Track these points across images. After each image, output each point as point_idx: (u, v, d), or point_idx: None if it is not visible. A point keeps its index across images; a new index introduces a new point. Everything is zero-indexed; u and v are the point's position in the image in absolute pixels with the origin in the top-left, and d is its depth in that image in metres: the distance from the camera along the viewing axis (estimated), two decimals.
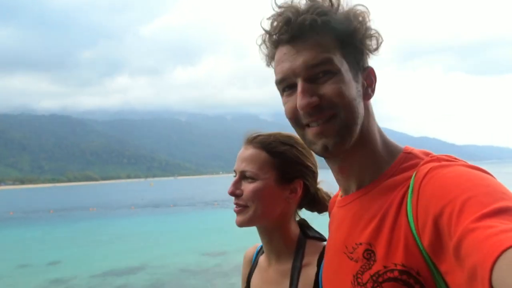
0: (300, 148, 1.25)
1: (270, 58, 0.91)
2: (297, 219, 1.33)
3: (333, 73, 0.82)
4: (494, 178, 0.71)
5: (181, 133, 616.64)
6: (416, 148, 0.90)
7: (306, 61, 0.82)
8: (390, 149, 0.89)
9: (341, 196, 0.98)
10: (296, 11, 0.83)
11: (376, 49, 0.87)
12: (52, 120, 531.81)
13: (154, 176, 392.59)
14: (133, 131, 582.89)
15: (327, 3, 0.84)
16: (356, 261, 0.82)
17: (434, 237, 0.67)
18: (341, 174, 0.93)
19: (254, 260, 1.39)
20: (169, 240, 19.46)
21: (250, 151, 1.23)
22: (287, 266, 1.22)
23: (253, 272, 1.35)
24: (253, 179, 1.20)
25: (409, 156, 0.86)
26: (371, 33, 0.86)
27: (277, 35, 0.85)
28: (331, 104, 0.82)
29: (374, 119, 0.91)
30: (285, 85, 0.86)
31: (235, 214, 1.22)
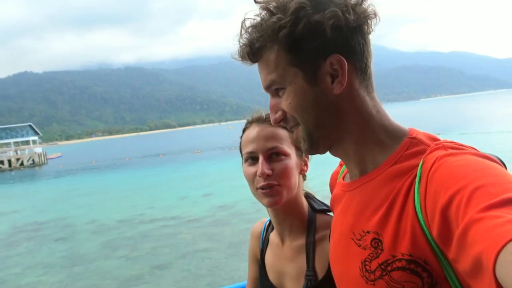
0: None
1: None
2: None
3: (284, 88, 0.86)
4: (504, 167, 0.71)
5: (247, 74, 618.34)
6: (421, 131, 0.88)
7: (263, 83, 0.90)
8: (393, 133, 0.87)
9: (346, 178, 1.00)
10: (245, 39, 0.88)
11: (344, 24, 0.81)
12: (127, 72, 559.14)
13: (227, 120, 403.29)
14: (203, 77, 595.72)
15: (264, 16, 0.85)
16: (364, 249, 0.83)
17: (443, 227, 0.67)
18: (337, 156, 0.95)
19: (264, 237, 1.40)
20: None
21: (269, 129, 1.20)
22: (301, 241, 1.23)
23: (265, 249, 1.36)
24: (284, 155, 1.19)
25: (414, 141, 0.84)
26: (315, 19, 0.80)
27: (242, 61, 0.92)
28: (290, 117, 0.89)
29: (357, 104, 0.86)
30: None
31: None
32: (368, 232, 0.83)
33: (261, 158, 1.17)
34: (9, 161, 53.90)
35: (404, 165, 0.81)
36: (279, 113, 0.89)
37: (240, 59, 0.90)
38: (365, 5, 0.83)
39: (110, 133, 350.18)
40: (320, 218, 1.25)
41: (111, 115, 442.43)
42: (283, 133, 1.20)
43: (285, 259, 1.27)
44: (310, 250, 1.20)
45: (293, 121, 0.88)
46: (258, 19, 0.85)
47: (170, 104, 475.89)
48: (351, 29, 0.81)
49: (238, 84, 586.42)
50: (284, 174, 1.17)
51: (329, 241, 1.05)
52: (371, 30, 0.84)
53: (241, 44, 0.88)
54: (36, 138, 64.41)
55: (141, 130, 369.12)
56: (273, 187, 1.17)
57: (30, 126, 64.66)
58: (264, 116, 1.24)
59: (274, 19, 0.82)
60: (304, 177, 1.31)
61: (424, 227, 0.72)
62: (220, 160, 34.70)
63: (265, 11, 0.84)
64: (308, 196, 1.32)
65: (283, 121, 0.90)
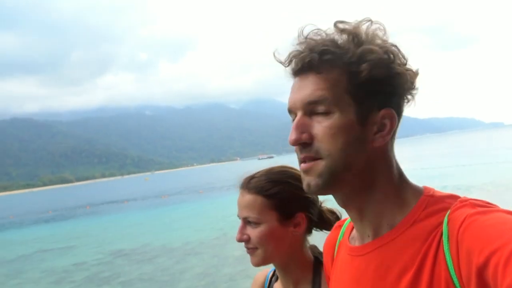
0: (294, 182, 1.25)
1: None
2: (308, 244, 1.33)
3: (328, 113, 0.79)
4: None
5: (148, 127, 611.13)
6: (436, 189, 0.84)
7: (304, 96, 0.81)
8: (409, 191, 0.83)
9: (354, 241, 0.92)
10: (306, 46, 0.82)
11: (407, 89, 0.82)
12: (12, 124, 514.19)
13: (129, 173, 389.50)
14: (100, 129, 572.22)
15: (343, 39, 0.81)
16: None
17: None
18: (349, 212, 0.88)
19: (267, 286, 1.39)
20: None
21: (246, 197, 1.25)
22: None
23: None
24: (256, 223, 1.22)
25: (432, 199, 0.80)
26: (395, 71, 0.79)
27: (291, 67, 0.85)
28: (319, 147, 0.80)
29: (388, 163, 0.84)
30: (292, 115, 0.85)
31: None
32: None
33: (240, 224, 1.27)
34: None
35: (425, 224, 0.77)
36: (306, 135, 0.80)
37: (288, 61, 0.84)
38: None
39: None
40: None
41: None
42: (257, 201, 1.23)
43: None
44: None
45: (315, 151, 0.80)
46: (336, 36, 0.82)
47: (65, 157, 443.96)
48: (408, 88, 0.82)
49: (139, 136, 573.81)
50: (259, 240, 1.22)
51: None
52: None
53: (306, 48, 0.81)
54: None
55: (33, 186, 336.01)
56: (251, 249, 1.25)
57: None
58: (243, 182, 1.29)
59: (359, 50, 0.79)
60: (310, 231, 1.32)
61: None
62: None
63: (350, 36, 0.81)
64: (313, 249, 1.33)
65: (303, 145, 0.81)
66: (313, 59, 0.80)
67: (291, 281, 1.28)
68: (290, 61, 0.84)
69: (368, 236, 0.85)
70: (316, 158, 0.80)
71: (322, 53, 0.79)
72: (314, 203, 1.29)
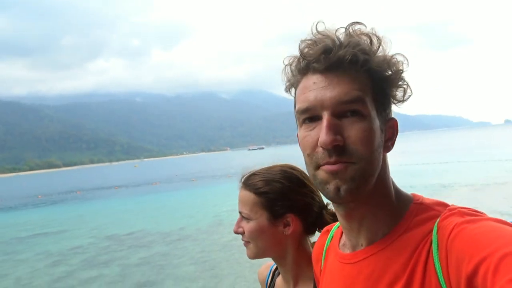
0: (287, 183, 1.26)
1: (292, 84, 0.86)
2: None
3: (363, 115, 0.76)
4: None
5: (138, 114, 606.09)
6: (424, 196, 0.84)
7: (338, 95, 0.76)
8: (401, 199, 0.84)
9: (345, 248, 0.90)
10: (338, 43, 0.78)
11: (403, 101, 0.83)
12: None
13: (118, 160, 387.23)
14: (89, 115, 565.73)
15: (367, 42, 0.79)
16: None
17: None
18: (349, 222, 0.85)
19: (270, 281, 1.42)
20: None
21: (242, 193, 1.30)
22: None
23: None
24: (248, 219, 1.27)
25: (422, 207, 0.81)
26: (402, 83, 0.81)
27: (312, 62, 0.79)
28: (353, 150, 0.76)
29: (388, 170, 0.85)
30: (308, 116, 0.79)
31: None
32: None
33: (238, 217, 1.32)
34: None
35: (415, 232, 0.77)
36: (340, 137, 0.76)
37: (319, 52, 0.78)
38: None
39: None
40: None
41: None
42: (250, 198, 1.27)
43: None
44: None
45: (349, 155, 0.76)
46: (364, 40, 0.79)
47: (52, 142, 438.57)
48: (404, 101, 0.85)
49: (129, 123, 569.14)
50: (250, 235, 1.27)
51: None
52: None
53: (339, 45, 0.78)
54: None
55: (19, 170, 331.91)
56: (246, 242, 1.30)
57: None
58: (243, 178, 1.33)
59: (387, 57, 0.80)
60: (310, 231, 1.32)
61: None
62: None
63: (372, 40, 0.80)
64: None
65: (335, 148, 0.76)
66: (355, 56, 0.76)
67: (291, 277, 1.30)
68: (318, 56, 0.78)
69: (361, 245, 0.84)
70: (347, 161, 0.76)
71: (361, 51, 0.77)
72: (309, 206, 1.28)
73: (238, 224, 1.30)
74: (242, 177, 1.34)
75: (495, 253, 0.61)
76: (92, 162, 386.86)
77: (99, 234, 18.06)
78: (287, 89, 0.87)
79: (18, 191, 65.81)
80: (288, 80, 0.86)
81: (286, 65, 0.85)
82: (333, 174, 0.76)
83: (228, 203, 20.59)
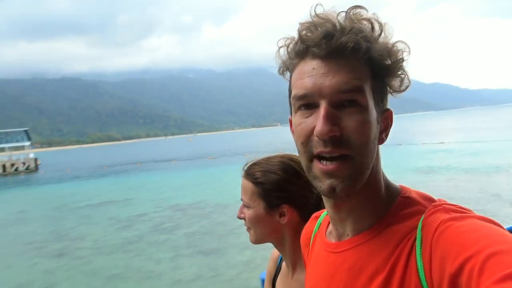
0: (283, 175, 1.28)
1: (287, 67, 0.82)
2: None
3: (361, 106, 0.73)
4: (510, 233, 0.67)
5: (191, 90, 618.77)
6: (412, 189, 0.82)
7: (337, 83, 0.72)
8: (390, 191, 0.82)
9: (332, 237, 0.89)
10: (339, 28, 0.73)
11: (400, 91, 0.79)
12: (63, 83, 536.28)
13: (172, 134, 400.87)
14: (144, 91, 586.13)
15: (368, 28, 0.75)
16: None
17: None
18: (337, 213, 0.83)
19: (279, 262, 1.45)
20: None
21: (243, 181, 1.34)
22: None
23: (277, 275, 1.42)
24: (247, 207, 1.31)
25: (408, 201, 0.78)
26: (401, 73, 0.77)
27: (312, 47, 0.74)
28: (350, 142, 0.73)
29: (380, 162, 0.82)
30: (304, 102, 0.76)
31: None
32: None
33: (241, 204, 1.36)
34: (4, 166, 53.24)
35: (399, 227, 0.75)
36: (337, 128, 0.72)
37: (320, 36, 0.73)
38: None
39: (50, 145, 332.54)
40: None
41: (46, 127, 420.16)
42: (249, 187, 1.32)
43: None
44: None
45: (346, 148, 0.73)
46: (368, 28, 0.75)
47: (111, 116, 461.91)
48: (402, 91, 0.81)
49: (181, 98, 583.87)
50: (249, 221, 1.32)
51: None
52: None
53: (345, 27, 0.73)
54: (28, 143, 63.20)
55: (83, 143, 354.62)
56: (247, 228, 1.35)
57: (25, 131, 63.45)
58: (245, 167, 1.37)
59: (388, 45, 0.76)
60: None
61: None
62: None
63: (374, 26, 0.75)
64: None
65: (331, 139, 0.72)
66: (357, 44, 0.72)
67: (289, 263, 1.34)
68: (319, 41, 0.73)
69: (347, 235, 0.84)
70: (344, 154, 0.73)
71: (364, 38, 0.73)
72: (305, 197, 1.29)
73: (241, 210, 1.35)
74: (245, 165, 1.37)
75: (481, 252, 0.59)
76: (148, 136, 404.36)
77: (162, 204, 19.19)
78: (281, 72, 0.83)
79: (84, 162, 70.56)
80: (283, 62, 0.82)
81: (281, 46, 0.81)
82: (328, 173, 0.74)
83: None
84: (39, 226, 16.68)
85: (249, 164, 1.37)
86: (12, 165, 55.06)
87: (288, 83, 0.83)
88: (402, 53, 0.76)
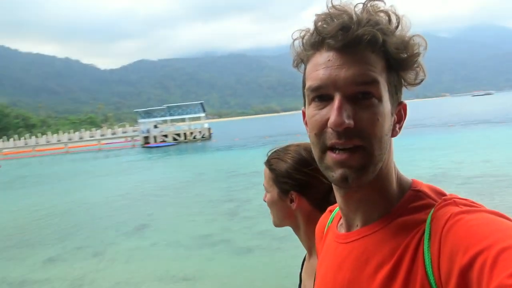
0: (292, 163, 1.33)
1: (301, 59, 0.81)
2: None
3: (375, 98, 0.73)
4: None
5: None
6: (424, 183, 0.81)
7: (352, 75, 0.72)
8: (401, 184, 0.81)
9: (342, 228, 0.90)
10: (356, 20, 0.72)
11: (415, 84, 0.78)
12: (230, 59, 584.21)
13: None
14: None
15: (385, 20, 0.73)
16: None
17: None
18: (347, 204, 0.83)
19: None
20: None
21: (265, 167, 1.40)
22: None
23: (305, 258, 1.44)
24: (266, 191, 1.39)
25: (419, 194, 0.78)
26: (416, 66, 0.76)
27: (327, 38, 0.73)
28: (363, 134, 0.72)
29: (392, 154, 0.81)
30: (318, 94, 0.75)
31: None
32: None
33: None
34: (185, 134, 62.80)
35: (409, 219, 0.75)
36: (350, 120, 0.71)
37: (336, 28, 0.72)
38: None
39: (220, 116, 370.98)
40: None
41: (216, 100, 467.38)
42: (266, 172, 1.39)
43: (308, 275, 1.33)
44: None
45: (359, 139, 0.72)
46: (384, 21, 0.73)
47: (272, 89, 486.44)
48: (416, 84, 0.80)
49: None
50: (268, 204, 1.40)
51: None
52: None
53: (362, 20, 0.72)
54: (204, 115, 73.22)
55: (246, 114, 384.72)
56: (271, 211, 1.42)
57: (201, 104, 74.03)
58: (268, 153, 1.42)
59: (406, 38, 0.74)
60: (322, 208, 1.27)
61: None
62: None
63: (391, 18, 0.74)
64: None
65: (345, 131, 0.71)
66: (374, 37, 0.71)
67: (306, 247, 1.38)
68: (336, 32, 0.72)
69: (357, 226, 0.84)
70: (357, 145, 0.73)
71: (381, 31, 0.72)
72: (313, 185, 1.31)
73: (265, 194, 1.41)
74: (268, 152, 1.43)
75: (493, 246, 0.58)
76: None
77: None
78: (296, 64, 0.83)
79: (249, 132, 76.56)
80: (298, 55, 0.81)
81: (295, 39, 0.80)
82: (340, 163, 0.74)
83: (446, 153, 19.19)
84: (215, 188, 18.93)
85: (270, 151, 1.42)
86: (191, 133, 63.27)
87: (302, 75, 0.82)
88: (419, 47, 0.74)
